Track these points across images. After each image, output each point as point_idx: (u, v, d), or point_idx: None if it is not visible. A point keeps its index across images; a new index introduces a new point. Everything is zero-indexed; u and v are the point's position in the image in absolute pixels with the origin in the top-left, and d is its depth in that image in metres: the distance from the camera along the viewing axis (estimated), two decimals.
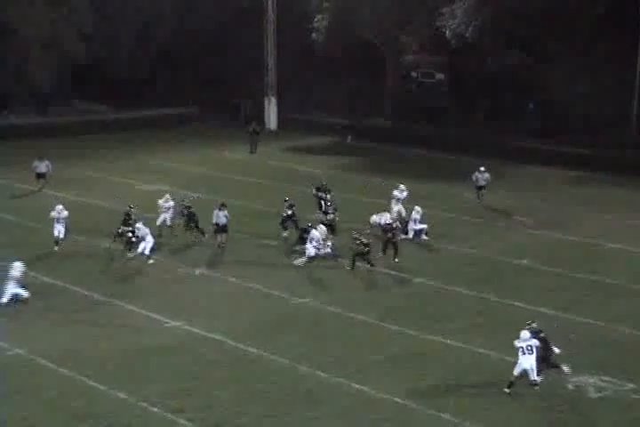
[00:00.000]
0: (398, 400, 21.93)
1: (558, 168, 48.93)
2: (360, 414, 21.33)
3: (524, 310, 28.07)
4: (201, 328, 26.52)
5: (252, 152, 54.85)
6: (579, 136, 51.08)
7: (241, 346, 25.23)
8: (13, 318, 27.38)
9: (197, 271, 31.64)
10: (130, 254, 32.82)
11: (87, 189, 44.63)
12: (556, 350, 23.05)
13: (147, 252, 32.44)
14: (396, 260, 32.52)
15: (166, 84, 65.61)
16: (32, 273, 31.25)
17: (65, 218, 33.95)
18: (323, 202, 38.06)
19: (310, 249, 32.43)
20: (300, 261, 32.38)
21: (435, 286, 30.41)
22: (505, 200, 41.86)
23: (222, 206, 35.15)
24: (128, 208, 34.61)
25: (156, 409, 21.49)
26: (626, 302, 28.98)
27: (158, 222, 35.49)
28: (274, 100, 63.57)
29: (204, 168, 50.05)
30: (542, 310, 28.01)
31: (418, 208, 36.16)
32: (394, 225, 33.24)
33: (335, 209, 36.22)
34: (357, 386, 22.68)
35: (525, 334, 22.40)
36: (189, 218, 35.41)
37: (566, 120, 52.42)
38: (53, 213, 33.93)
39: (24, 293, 28.43)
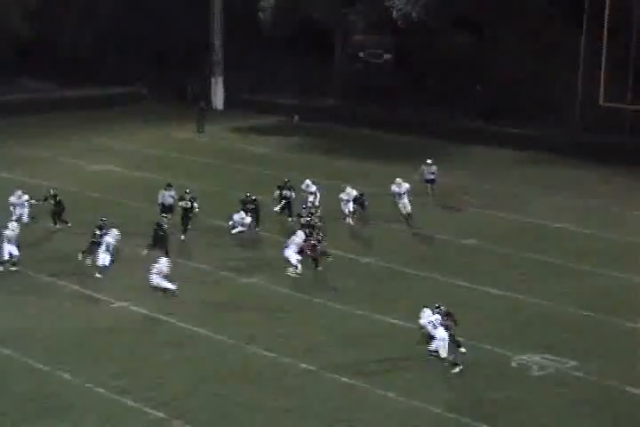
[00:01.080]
0: (346, 380, 22.03)
1: (506, 149, 49.17)
2: (308, 393, 21.41)
3: (472, 289, 28.33)
4: (147, 309, 26.42)
5: (199, 131, 54.62)
6: (526, 117, 51.41)
7: (188, 326, 25.18)
8: None
9: (144, 252, 31.41)
10: (82, 257, 29.87)
11: (34, 169, 44.12)
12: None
13: (106, 263, 29.22)
14: (319, 268, 29.96)
15: (113, 62, 64.93)
16: None
17: (18, 236, 29.63)
18: (286, 201, 35.13)
19: (292, 256, 29.50)
20: (291, 270, 29.63)
21: (383, 267, 30.52)
22: (452, 180, 41.99)
23: (168, 186, 35.02)
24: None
25: (101, 390, 21.40)
26: (572, 281, 29.29)
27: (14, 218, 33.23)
28: (220, 80, 63.22)
29: (153, 148, 49.73)
30: (489, 289, 28.27)
31: (349, 189, 35.21)
32: (314, 241, 29.91)
33: (311, 213, 32.42)
34: (305, 366, 22.76)
35: (427, 310, 22.84)
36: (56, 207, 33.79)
37: (514, 102, 52.68)
38: (8, 232, 29.27)
39: (172, 286, 27.27)
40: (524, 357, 23.41)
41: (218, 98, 63.29)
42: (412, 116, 55.04)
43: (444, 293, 28.01)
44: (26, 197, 34.25)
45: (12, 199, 34.18)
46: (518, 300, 27.52)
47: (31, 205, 34.43)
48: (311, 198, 35.76)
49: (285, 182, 35.46)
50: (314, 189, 36.19)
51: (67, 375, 22.11)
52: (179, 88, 64.28)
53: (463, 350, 23.00)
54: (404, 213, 35.02)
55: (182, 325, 25.35)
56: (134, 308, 26.56)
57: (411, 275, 29.72)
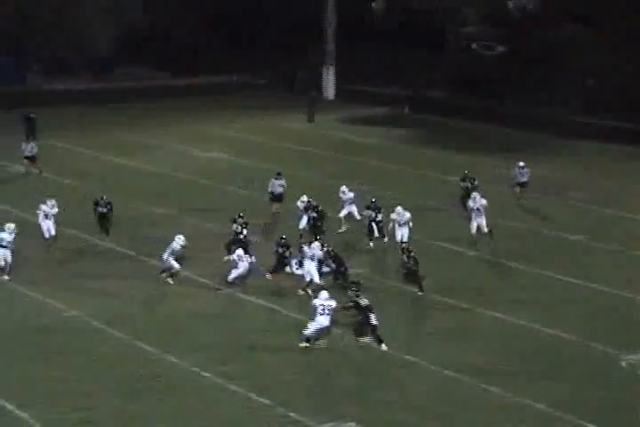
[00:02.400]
0: (448, 373, 21.93)
1: (617, 144, 48.26)
2: (409, 386, 21.37)
3: (579, 286, 27.90)
4: (254, 296, 26.68)
5: (310, 121, 54.78)
6: (636, 112, 50.42)
7: (294, 315, 25.33)
8: (70, 280, 27.80)
9: (255, 239, 31.62)
10: (270, 276, 28.20)
11: (145, 155, 44.93)
12: (374, 322, 23.25)
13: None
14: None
15: (226, 51, 65.64)
16: (91, 237, 31.77)
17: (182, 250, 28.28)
18: (370, 222, 31.34)
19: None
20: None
21: (488, 260, 30.29)
22: (562, 175, 41.43)
23: (278, 175, 35.23)
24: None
25: (207, 374, 21.71)
26: None
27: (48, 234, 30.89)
28: (332, 70, 63.33)
29: (263, 136, 50.10)
30: (597, 286, 27.80)
31: (400, 209, 30.84)
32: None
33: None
34: (408, 357, 22.70)
35: (324, 293, 23.01)
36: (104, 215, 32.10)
37: (625, 95, 51.72)
38: (174, 245, 27.68)
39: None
40: (635, 357, 22.97)
41: (329, 88, 63.44)
42: (523, 109, 54.43)
43: (549, 288, 27.72)
44: (56, 209, 30.99)
45: (45, 208, 30.81)
46: (628, 298, 26.98)
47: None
48: (344, 212, 32.89)
49: (372, 202, 31.79)
50: (351, 195, 33.01)
51: (173, 358, 22.48)
52: (290, 78, 64.64)
53: (384, 348, 22.95)
54: (483, 231, 31.66)
55: (289, 313, 25.52)
56: (242, 295, 26.86)
57: (516, 269, 29.40)
